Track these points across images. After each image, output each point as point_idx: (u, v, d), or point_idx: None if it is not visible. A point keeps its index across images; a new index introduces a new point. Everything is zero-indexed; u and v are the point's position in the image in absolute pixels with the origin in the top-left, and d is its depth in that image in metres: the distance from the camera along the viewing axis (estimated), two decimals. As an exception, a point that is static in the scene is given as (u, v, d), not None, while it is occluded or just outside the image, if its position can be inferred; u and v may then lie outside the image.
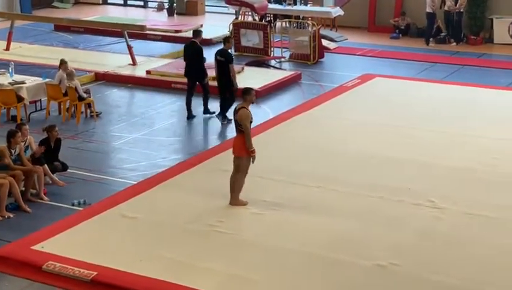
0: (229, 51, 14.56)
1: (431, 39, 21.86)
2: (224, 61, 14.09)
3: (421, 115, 14.23)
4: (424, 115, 14.23)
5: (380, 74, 17.73)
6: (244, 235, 9.33)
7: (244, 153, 9.82)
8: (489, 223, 9.65)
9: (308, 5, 24.73)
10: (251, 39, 20.12)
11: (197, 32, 14.98)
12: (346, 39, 22.43)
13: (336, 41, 21.96)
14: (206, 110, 14.68)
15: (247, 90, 10.07)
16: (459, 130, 13.33)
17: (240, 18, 22.77)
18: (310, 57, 19.39)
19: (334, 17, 23.25)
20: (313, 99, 15.63)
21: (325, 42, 20.70)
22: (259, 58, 19.50)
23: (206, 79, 14.59)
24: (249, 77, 16.75)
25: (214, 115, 14.46)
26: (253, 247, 9.02)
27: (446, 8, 21.74)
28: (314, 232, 9.38)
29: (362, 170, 11.49)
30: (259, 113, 14.60)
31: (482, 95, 15.97)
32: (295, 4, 24.03)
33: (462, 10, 21.74)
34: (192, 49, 14.58)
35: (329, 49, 20.76)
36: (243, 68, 17.67)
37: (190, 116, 14.56)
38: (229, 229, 9.40)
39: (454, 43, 21.83)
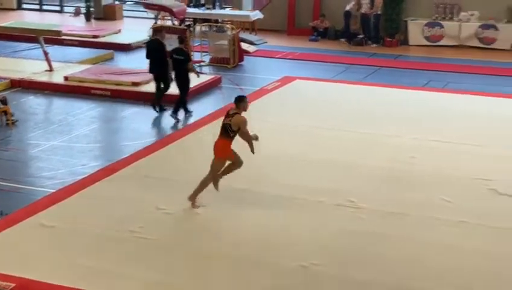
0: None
1: (344, 39, 22.30)
2: (183, 60, 14.52)
3: (340, 116, 14.43)
4: (343, 116, 14.43)
5: (299, 76, 17.91)
6: (165, 240, 9.25)
7: (225, 155, 9.90)
8: (408, 221, 9.85)
9: (227, 8, 24.77)
10: (171, 44, 19.96)
11: (157, 30, 15.54)
12: (266, 42, 22.59)
13: (255, 44, 22.08)
14: (185, 109, 14.99)
15: (241, 98, 10.03)
16: (377, 130, 13.56)
17: (159, 22, 22.63)
18: (230, 61, 19.45)
19: (253, 21, 23.39)
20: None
21: (244, 45, 20.79)
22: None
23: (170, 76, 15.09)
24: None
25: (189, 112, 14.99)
26: (175, 252, 8.97)
27: (363, 11, 22.14)
28: (237, 234, 9.40)
29: (284, 171, 11.56)
30: (180, 118, 14.61)
31: (399, 95, 16.30)
32: (214, 8, 24.04)
33: (379, 12, 22.19)
34: (155, 46, 15.16)
35: (249, 52, 20.86)
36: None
37: (157, 109, 15.04)
38: (150, 234, 9.31)
39: (374, 45, 22.26)
